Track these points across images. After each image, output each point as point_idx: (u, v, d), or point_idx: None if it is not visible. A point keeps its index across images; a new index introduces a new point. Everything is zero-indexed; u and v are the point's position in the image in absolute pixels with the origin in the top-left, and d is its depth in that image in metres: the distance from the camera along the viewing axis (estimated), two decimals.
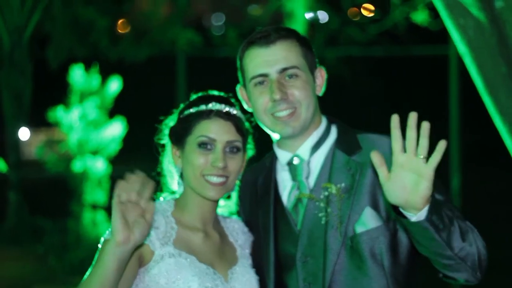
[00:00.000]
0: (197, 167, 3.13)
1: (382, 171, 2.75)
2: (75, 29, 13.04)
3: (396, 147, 2.72)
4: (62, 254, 10.89)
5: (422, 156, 2.68)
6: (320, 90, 3.21)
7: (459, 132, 12.74)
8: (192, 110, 3.20)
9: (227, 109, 3.19)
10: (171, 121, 3.28)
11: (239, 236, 3.30)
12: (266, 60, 3.13)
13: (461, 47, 3.90)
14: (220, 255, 3.18)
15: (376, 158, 2.73)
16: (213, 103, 3.19)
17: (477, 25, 3.81)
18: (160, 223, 3.09)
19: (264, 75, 3.14)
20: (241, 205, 3.39)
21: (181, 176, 3.24)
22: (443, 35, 12.89)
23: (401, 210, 2.78)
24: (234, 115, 3.19)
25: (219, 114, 3.17)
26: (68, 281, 10.47)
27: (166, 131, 3.27)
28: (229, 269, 3.16)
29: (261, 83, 3.15)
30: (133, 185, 2.75)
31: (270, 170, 3.27)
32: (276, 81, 3.11)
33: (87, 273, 2.84)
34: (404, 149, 2.71)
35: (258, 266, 3.22)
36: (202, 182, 3.13)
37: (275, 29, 3.15)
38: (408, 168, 2.70)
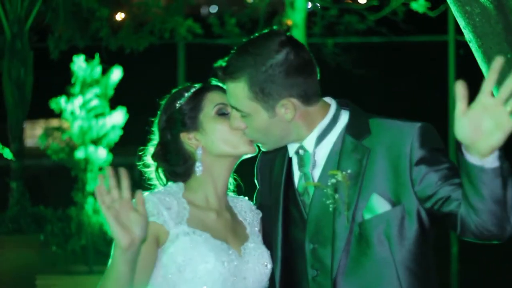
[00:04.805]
0: (226, 131, 3.20)
1: (461, 104, 2.66)
2: (75, 18, 13.02)
3: (487, 88, 2.64)
4: (63, 242, 10.93)
5: (509, 108, 2.62)
6: (292, 117, 3.10)
7: None
8: (187, 94, 3.26)
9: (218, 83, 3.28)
10: (162, 117, 3.31)
11: (247, 214, 3.35)
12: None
13: (467, 34, 3.91)
14: (232, 232, 3.24)
15: (459, 89, 2.65)
16: (204, 82, 3.29)
17: (483, 12, 3.82)
18: (172, 203, 3.15)
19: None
20: (260, 184, 3.42)
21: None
22: (442, 23, 12.91)
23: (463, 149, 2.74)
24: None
25: (216, 86, 3.27)
26: (70, 269, 10.51)
27: (165, 127, 3.28)
28: (242, 245, 3.22)
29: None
30: (108, 182, 2.79)
31: (285, 151, 3.26)
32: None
33: (104, 277, 2.91)
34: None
35: (268, 247, 3.26)
36: (236, 142, 3.20)
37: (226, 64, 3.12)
38: (491, 113, 2.63)
